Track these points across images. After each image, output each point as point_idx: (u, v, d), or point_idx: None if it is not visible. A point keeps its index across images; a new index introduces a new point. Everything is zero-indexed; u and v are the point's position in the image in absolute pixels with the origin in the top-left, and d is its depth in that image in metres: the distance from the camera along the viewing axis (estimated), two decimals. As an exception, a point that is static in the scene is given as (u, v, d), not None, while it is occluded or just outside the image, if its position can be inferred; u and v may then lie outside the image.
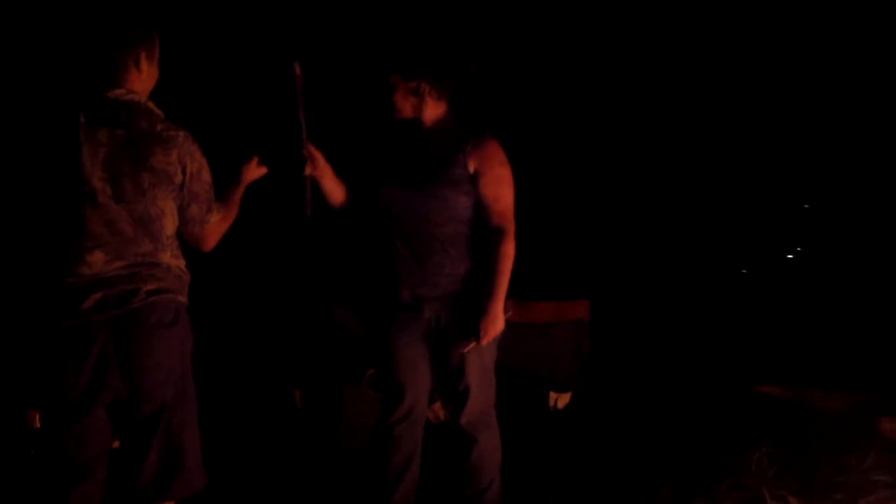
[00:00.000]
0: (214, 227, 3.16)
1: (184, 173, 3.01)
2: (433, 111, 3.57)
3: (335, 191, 3.62)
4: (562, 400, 5.42)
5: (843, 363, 6.47)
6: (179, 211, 3.05)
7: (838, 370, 6.31)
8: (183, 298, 3.04)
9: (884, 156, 8.63)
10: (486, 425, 3.71)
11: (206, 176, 3.09)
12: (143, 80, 3.05)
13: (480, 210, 3.57)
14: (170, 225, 3.01)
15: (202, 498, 3.13)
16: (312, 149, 3.52)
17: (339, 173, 3.61)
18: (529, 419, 5.09)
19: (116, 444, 3.03)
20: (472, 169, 3.54)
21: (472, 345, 3.55)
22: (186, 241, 3.14)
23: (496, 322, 3.54)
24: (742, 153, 9.11)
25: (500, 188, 3.57)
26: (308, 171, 3.52)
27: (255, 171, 3.31)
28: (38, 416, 3.12)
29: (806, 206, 10.15)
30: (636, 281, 8.03)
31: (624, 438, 4.94)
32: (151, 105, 3.04)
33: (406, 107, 3.55)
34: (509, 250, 3.55)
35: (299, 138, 3.46)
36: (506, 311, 3.57)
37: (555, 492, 3.91)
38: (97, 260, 2.89)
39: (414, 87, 3.53)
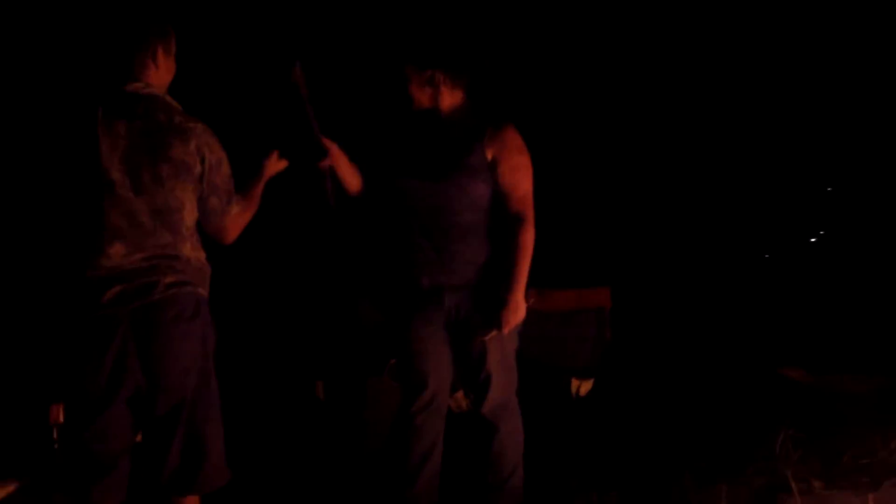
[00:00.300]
0: (235, 218, 3.17)
1: (203, 164, 3.01)
2: (450, 100, 3.57)
3: (352, 180, 3.62)
4: (584, 387, 5.41)
5: (867, 346, 6.43)
6: (199, 202, 3.05)
7: (863, 354, 6.28)
8: (203, 291, 3.03)
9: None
10: (508, 413, 3.70)
11: (226, 168, 3.09)
12: (160, 74, 3.06)
13: (499, 198, 3.56)
14: (189, 217, 3.02)
15: (225, 492, 3.14)
16: (326, 141, 3.53)
17: (357, 164, 3.61)
18: (552, 407, 5.08)
19: (139, 438, 3.04)
20: (489, 157, 3.54)
21: (493, 334, 3.54)
22: (207, 234, 3.14)
23: (517, 311, 3.54)
24: (765, 137, 9.05)
25: (518, 176, 3.57)
26: (326, 163, 3.52)
27: (275, 164, 3.31)
28: (61, 410, 3.12)
29: (829, 189, 10.09)
30: (658, 267, 8.01)
31: (647, 424, 4.94)
32: (169, 99, 3.05)
33: (422, 97, 3.55)
34: (529, 238, 3.55)
35: (311, 135, 3.46)
36: (527, 299, 3.56)
37: (578, 479, 3.91)
38: (117, 252, 2.90)
39: (428, 77, 3.53)
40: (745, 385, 5.76)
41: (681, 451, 4.27)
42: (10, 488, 3.75)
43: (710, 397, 5.33)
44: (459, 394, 4.43)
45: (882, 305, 7.39)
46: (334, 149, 3.54)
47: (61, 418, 3.38)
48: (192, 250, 3.01)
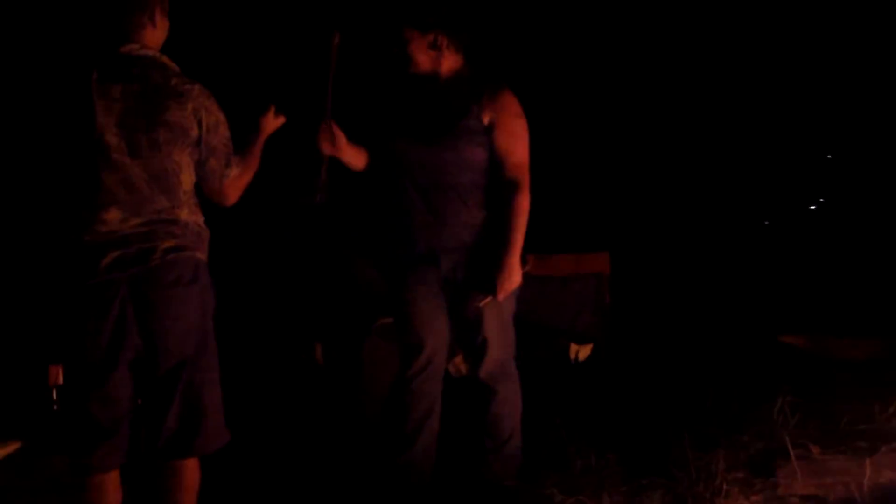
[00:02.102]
0: (234, 181, 3.14)
1: (200, 127, 2.98)
2: (449, 64, 3.56)
3: (356, 160, 3.61)
4: (583, 352, 5.42)
5: (865, 312, 6.44)
6: (197, 166, 3.03)
7: (861, 319, 6.29)
8: (202, 255, 3.01)
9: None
10: (505, 377, 3.71)
11: (224, 129, 3.06)
12: (156, 34, 3.02)
13: (495, 162, 3.55)
14: (187, 181, 2.99)
15: (224, 454, 3.15)
16: (335, 127, 3.51)
17: (356, 127, 3.59)
18: (551, 371, 5.09)
19: (140, 401, 3.04)
20: (486, 121, 3.53)
21: (489, 299, 3.54)
22: (207, 196, 3.12)
23: (512, 276, 3.54)
24: (764, 103, 9.02)
25: (514, 140, 3.56)
26: (327, 150, 3.50)
27: (273, 121, 3.27)
28: (60, 372, 3.12)
29: (829, 156, 10.07)
30: (658, 233, 8.00)
31: (645, 389, 4.94)
32: (166, 59, 3.01)
33: (424, 60, 3.53)
34: (524, 204, 3.54)
35: (324, 110, 3.43)
36: (523, 264, 3.56)
37: (576, 443, 3.92)
38: (113, 217, 2.88)
39: (431, 41, 3.50)
40: (743, 350, 5.77)
41: (679, 416, 4.28)
42: (12, 448, 3.76)
43: (709, 362, 5.34)
44: (458, 358, 4.43)
45: (881, 271, 7.39)
46: (341, 138, 3.52)
47: (60, 380, 3.38)
48: (189, 214, 2.99)
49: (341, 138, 3.52)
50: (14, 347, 3.96)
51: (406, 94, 3.60)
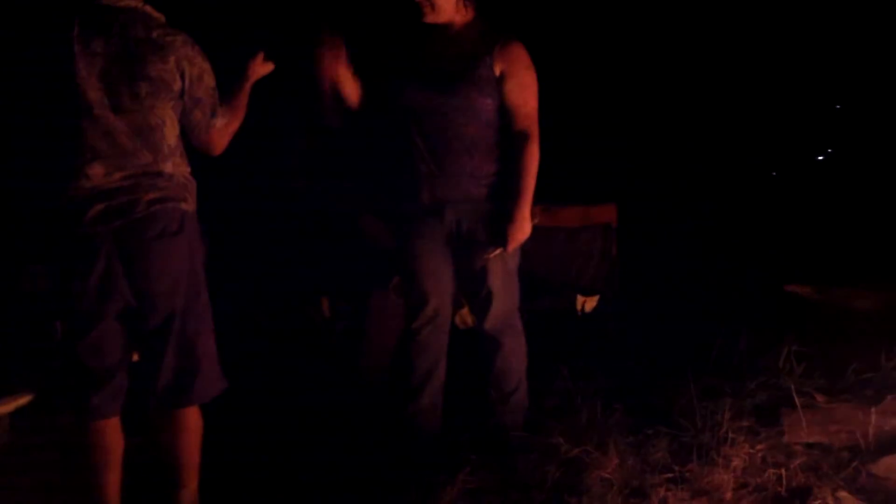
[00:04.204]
0: (221, 131, 3.12)
1: (183, 79, 2.96)
2: (466, 14, 3.54)
3: (354, 93, 3.57)
4: (589, 303, 5.42)
5: (871, 261, 6.43)
6: (183, 117, 3.01)
7: (867, 268, 6.28)
8: (188, 206, 3.01)
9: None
10: (510, 329, 3.72)
11: (209, 80, 3.03)
12: None
13: (505, 113, 3.55)
14: (171, 134, 2.97)
15: (227, 409, 3.17)
16: (339, 41, 3.46)
17: (362, 74, 3.57)
18: (557, 323, 5.10)
19: (136, 356, 3.07)
20: (497, 71, 3.52)
21: (499, 251, 3.54)
22: (195, 146, 3.10)
23: (523, 227, 3.54)
24: (772, 53, 8.95)
25: (525, 92, 3.56)
26: (329, 65, 3.46)
27: (261, 67, 3.23)
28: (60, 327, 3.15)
29: (838, 106, 10.00)
30: (665, 184, 7.97)
31: (652, 340, 4.95)
32: (149, 9, 2.97)
33: (446, 9, 3.50)
34: (534, 154, 3.55)
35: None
36: (532, 216, 3.56)
37: (582, 394, 3.93)
38: (97, 172, 2.87)
39: None
40: (750, 300, 5.78)
41: (685, 366, 4.28)
42: (24, 400, 3.81)
43: (715, 312, 5.34)
44: (465, 310, 4.44)
45: (887, 221, 7.37)
46: (338, 42, 3.48)
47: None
48: (175, 167, 2.98)
49: (342, 55, 3.48)
50: (25, 301, 3.98)
51: (420, 42, 3.58)
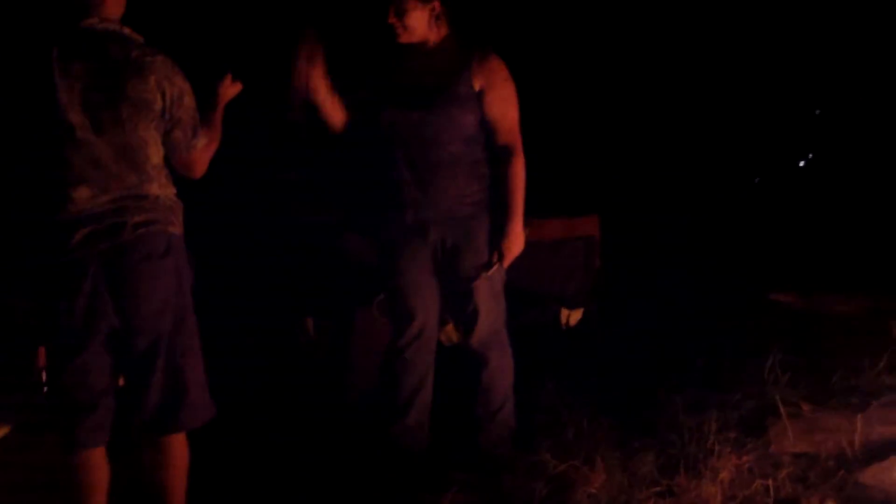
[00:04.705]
0: (202, 151, 3.10)
1: (164, 99, 2.94)
2: (440, 32, 3.54)
3: (334, 112, 3.56)
4: (574, 317, 5.42)
5: (854, 268, 6.45)
6: (164, 138, 2.99)
7: (850, 275, 6.30)
8: (175, 229, 2.99)
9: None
10: (497, 345, 3.72)
11: (189, 100, 3.02)
12: (115, 5, 2.96)
13: (487, 129, 3.57)
14: (155, 154, 2.96)
15: (213, 429, 3.15)
16: (314, 39, 3.46)
17: (343, 96, 3.57)
18: (542, 337, 5.09)
19: (122, 382, 3.04)
20: (477, 87, 3.53)
21: (496, 268, 3.55)
22: (176, 169, 3.09)
23: (517, 242, 3.58)
24: (752, 61, 8.98)
25: (506, 105, 3.57)
26: (303, 63, 3.44)
27: (230, 88, 3.22)
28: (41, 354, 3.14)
29: (817, 111, 10.04)
30: (646, 194, 7.98)
31: (636, 352, 4.95)
32: (128, 31, 2.96)
33: (420, 29, 3.50)
34: (520, 168, 3.57)
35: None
36: (525, 227, 3.58)
37: (569, 408, 3.93)
38: (82, 196, 2.86)
39: (431, 8, 3.49)
40: (734, 309, 5.78)
41: (670, 378, 4.29)
42: (5, 430, 3.76)
43: (700, 323, 5.35)
44: (449, 326, 4.43)
45: (870, 226, 7.40)
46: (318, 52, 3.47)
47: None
48: (160, 188, 2.97)
49: (320, 59, 3.47)
50: (5, 330, 3.95)
51: (397, 62, 3.58)
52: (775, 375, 4.24)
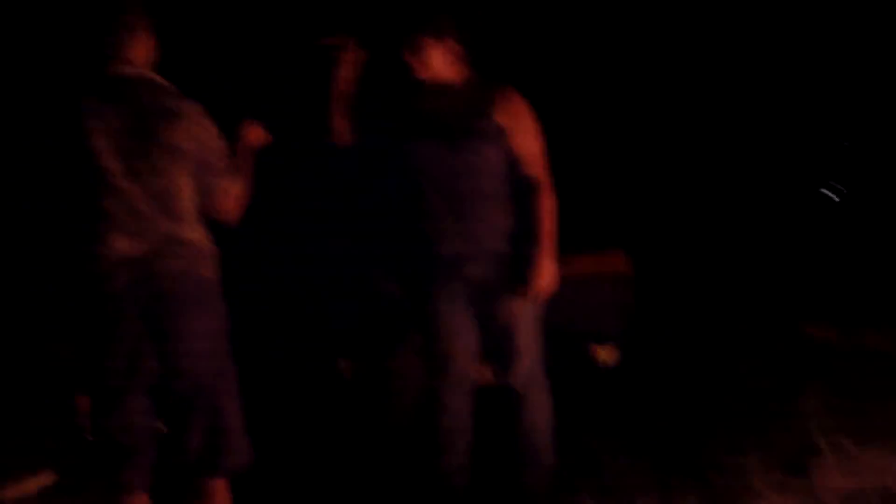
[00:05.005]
0: (233, 197, 3.14)
1: (196, 145, 2.98)
2: (461, 69, 3.57)
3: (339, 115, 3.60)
4: (608, 354, 5.39)
5: (891, 301, 6.38)
6: (197, 183, 3.02)
7: (890, 308, 6.23)
8: (209, 273, 3.02)
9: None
10: (535, 383, 3.70)
11: (219, 145, 3.06)
12: (146, 52, 3.02)
13: (515, 164, 3.58)
14: (188, 199, 2.99)
15: (251, 473, 3.14)
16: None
17: (370, 135, 3.60)
18: (577, 375, 5.06)
19: (163, 425, 3.05)
20: (500, 123, 3.56)
21: (523, 301, 3.54)
22: (208, 214, 3.11)
23: (546, 276, 3.57)
24: (783, 91, 8.96)
25: (530, 139, 3.60)
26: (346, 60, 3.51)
27: (257, 135, 3.26)
28: (87, 401, 3.14)
29: (846, 143, 9.99)
30: (677, 227, 7.95)
31: (672, 390, 4.91)
32: (158, 78, 3.01)
33: (438, 67, 3.54)
34: (549, 202, 3.59)
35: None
36: (556, 264, 3.57)
37: (607, 448, 3.90)
38: (119, 242, 2.89)
39: (448, 48, 3.53)
40: (770, 344, 5.73)
41: (709, 415, 4.25)
42: (46, 480, 3.77)
43: (736, 358, 5.30)
44: (485, 366, 4.41)
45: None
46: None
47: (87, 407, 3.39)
48: (194, 233, 3.00)
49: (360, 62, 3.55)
50: (47, 376, 3.98)
51: (420, 101, 3.61)
52: (816, 411, 4.18)
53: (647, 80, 8.33)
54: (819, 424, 4.08)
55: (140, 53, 3.01)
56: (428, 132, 3.55)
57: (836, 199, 9.31)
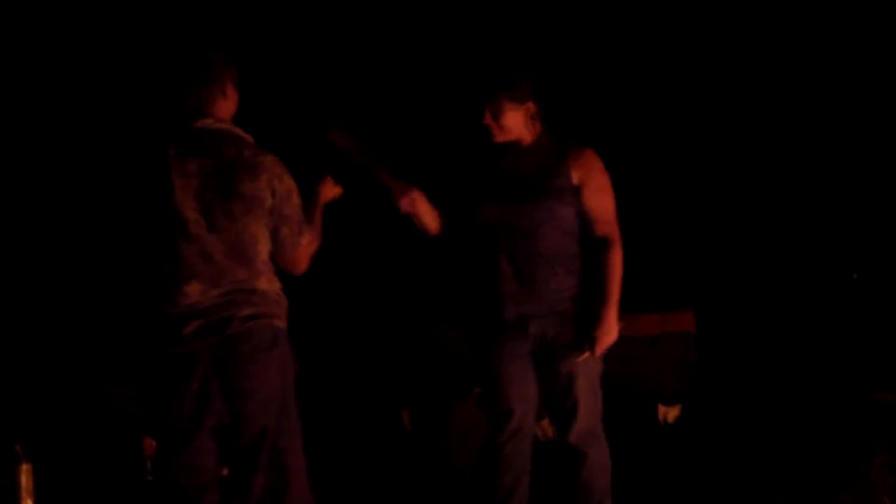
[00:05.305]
0: (306, 248, 3.18)
1: (273, 197, 3.03)
2: (534, 130, 3.60)
3: (432, 222, 3.65)
4: (671, 413, 5.34)
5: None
6: (272, 234, 3.08)
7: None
8: (280, 323, 3.05)
9: None
10: (594, 441, 3.67)
11: (296, 198, 3.11)
12: (228, 106, 3.09)
13: (585, 221, 3.59)
14: (263, 250, 3.04)
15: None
16: (398, 184, 3.57)
17: (440, 195, 3.64)
18: (639, 434, 5.01)
19: (226, 471, 3.08)
20: (574, 180, 3.56)
21: (586, 355, 3.53)
22: (280, 266, 3.16)
23: (610, 331, 3.54)
24: (849, 154, 8.87)
25: (603, 197, 3.60)
26: (404, 203, 3.56)
27: (330, 190, 3.32)
28: (153, 444, 3.19)
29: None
30: (744, 289, 7.87)
31: (736, 451, 4.84)
32: (239, 131, 3.07)
33: (517, 128, 3.57)
34: (617, 258, 3.57)
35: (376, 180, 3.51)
36: (619, 321, 3.56)
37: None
38: (194, 290, 2.94)
39: (526, 108, 3.56)
40: (837, 408, 5.63)
41: (772, 479, 4.17)
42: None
43: (802, 422, 5.21)
44: (545, 421, 4.40)
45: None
46: (409, 192, 3.58)
47: (153, 451, 3.43)
48: (267, 283, 3.04)
49: (408, 190, 3.56)
50: (111, 419, 4.05)
51: (494, 159, 3.64)
52: (883, 477, 4.10)
53: (718, 140, 8.31)
54: (887, 490, 4.00)
55: (224, 107, 3.08)
56: (500, 191, 3.58)
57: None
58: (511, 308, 3.57)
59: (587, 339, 3.53)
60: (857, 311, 8.15)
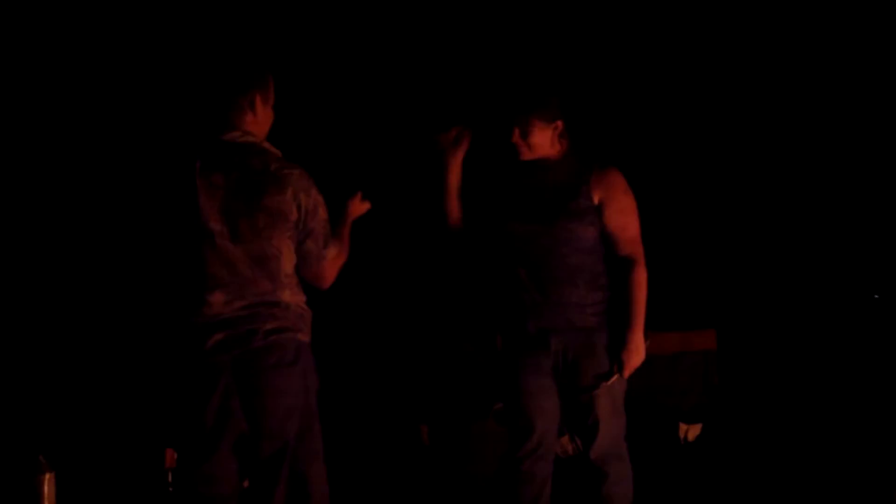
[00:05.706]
0: (332, 262, 3.19)
1: (299, 210, 3.04)
2: (560, 147, 3.61)
3: (453, 201, 3.65)
4: (692, 432, 5.32)
5: None
6: (297, 248, 3.09)
7: None
8: (304, 336, 3.06)
9: None
10: (617, 458, 3.66)
11: (323, 212, 3.12)
12: (258, 121, 3.10)
13: (608, 240, 3.59)
14: (287, 263, 3.05)
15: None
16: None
17: (465, 209, 3.65)
18: (660, 452, 4.99)
19: (246, 483, 3.08)
20: (596, 200, 3.57)
21: (615, 378, 3.53)
22: (305, 279, 3.17)
23: (638, 352, 3.55)
24: (875, 176, 8.82)
25: (626, 217, 3.60)
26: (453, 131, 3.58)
27: (359, 206, 3.33)
28: (174, 454, 3.20)
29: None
30: (766, 308, 7.83)
31: (757, 470, 4.81)
32: (267, 145, 3.09)
33: (544, 146, 3.57)
34: (642, 278, 3.57)
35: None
36: (645, 340, 3.56)
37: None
38: (218, 301, 2.95)
39: (554, 127, 3.57)
40: (861, 428, 5.58)
41: (795, 499, 4.14)
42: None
43: (824, 443, 5.17)
44: (565, 438, 4.39)
45: None
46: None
47: (174, 462, 3.45)
48: (291, 296, 3.05)
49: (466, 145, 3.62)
50: (132, 430, 4.07)
51: (518, 177, 3.65)
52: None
53: (742, 160, 8.28)
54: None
55: (252, 121, 3.09)
56: (522, 209, 3.58)
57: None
58: (533, 322, 3.57)
59: (615, 361, 3.54)
60: (878, 330, 8.09)
